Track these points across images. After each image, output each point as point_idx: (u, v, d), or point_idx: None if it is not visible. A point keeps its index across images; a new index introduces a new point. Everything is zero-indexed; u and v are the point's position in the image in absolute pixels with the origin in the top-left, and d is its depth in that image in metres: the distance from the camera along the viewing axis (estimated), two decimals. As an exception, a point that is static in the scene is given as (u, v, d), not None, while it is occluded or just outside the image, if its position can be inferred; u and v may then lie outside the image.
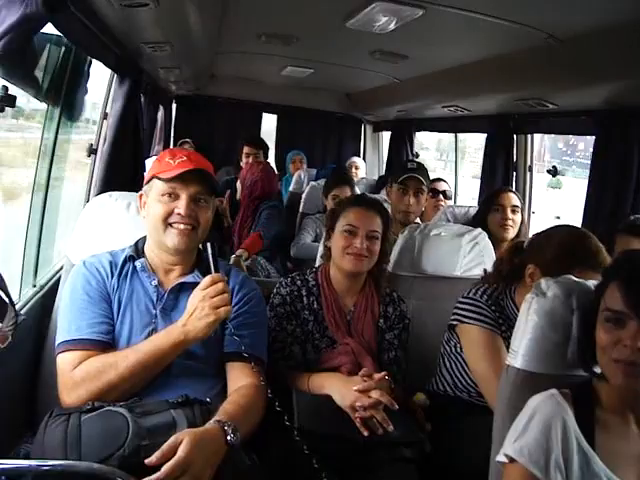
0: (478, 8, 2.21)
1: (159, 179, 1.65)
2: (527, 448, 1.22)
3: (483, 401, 1.90)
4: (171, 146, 5.72)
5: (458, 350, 2.00)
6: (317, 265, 2.24)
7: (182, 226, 1.63)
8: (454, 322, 1.98)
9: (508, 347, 1.48)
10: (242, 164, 4.41)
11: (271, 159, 6.23)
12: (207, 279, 1.55)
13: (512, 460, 1.23)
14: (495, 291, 1.96)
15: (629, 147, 2.65)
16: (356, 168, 5.54)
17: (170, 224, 1.63)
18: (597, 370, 1.28)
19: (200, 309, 1.51)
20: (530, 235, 2.34)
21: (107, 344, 1.58)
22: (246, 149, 4.51)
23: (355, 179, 4.95)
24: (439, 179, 3.84)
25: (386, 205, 2.97)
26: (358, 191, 3.75)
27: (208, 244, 1.60)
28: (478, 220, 2.94)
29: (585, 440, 1.20)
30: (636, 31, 1.99)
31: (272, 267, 3.30)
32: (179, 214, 1.62)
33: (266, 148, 4.63)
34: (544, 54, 2.47)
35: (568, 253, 1.75)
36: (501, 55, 2.74)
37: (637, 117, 2.64)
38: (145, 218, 1.71)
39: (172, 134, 6.02)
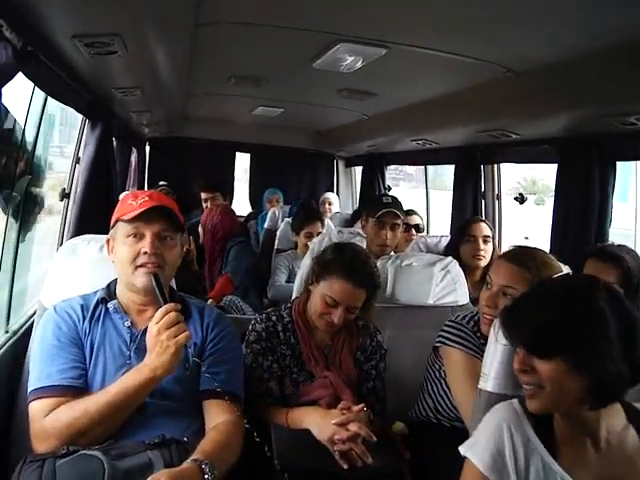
0: (438, 46, 2.30)
1: (123, 221, 1.65)
2: (478, 448, 1.26)
3: (464, 426, 1.91)
4: (145, 188, 5.73)
5: (442, 374, 2.02)
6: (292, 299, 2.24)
7: (150, 266, 1.61)
8: (438, 344, 2.00)
9: None
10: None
11: (245, 197, 6.29)
12: (159, 312, 1.53)
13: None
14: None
15: (590, 173, 2.74)
16: (329, 204, 5.59)
17: (138, 266, 1.62)
18: None
19: (160, 344, 1.49)
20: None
21: (79, 389, 1.56)
22: (203, 195, 4.62)
23: (329, 214, 5.01)
24: (412, 212, 3.89)
25: (359, 238, 3.03)
26: (332, 225, 3.80)
27: (151, 276, 1.59)
28: (451, 250, 3.01)
29: (545, 452, 1.23)
30: (589, 64, 2.09)
31: (247, 305, 3.30)
32: (145, 253, 1.61)
33: (223, 188, 4.69)
34: (504, 87, 2.57)
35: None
36: (463, 89, 2.84)
37: (595, 144, 2.73)
38: (114, 262, 1.71)
39: (146, 176, 6.04)
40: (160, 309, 1.54)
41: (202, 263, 3.85)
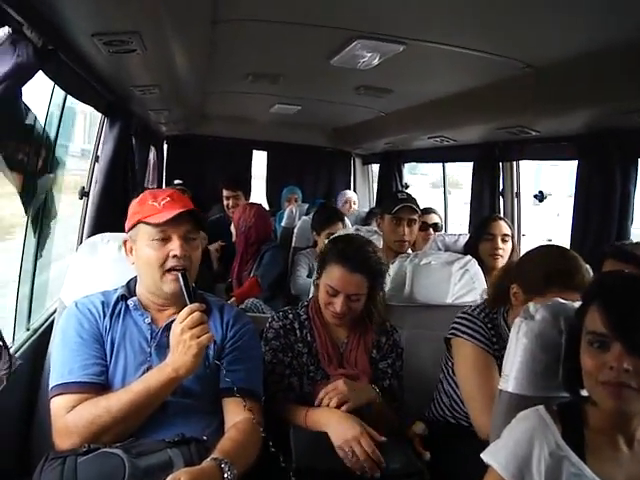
0: (455, 42, 2.28)
1: (147, 224, 1.62)
2: (502, 456, 1.24)
3: None
4: (164, 186, 5.76)
5: (454, 370, 2.01)
6: (309, 298, 2.24)
7: (178, 268, 1.60)
8: (449, 336, 1.99)
9: (500, 365, 1.49)
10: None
11: (262, 195, 6.28)
12: (184, 312, 1.53)
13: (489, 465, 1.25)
14: (492, 310, 1.99)
15: (611, 170, 2.70)
16: (353, 203, 5.52)
17: (166, 270, 1.61)
18: (584, 393, 1.28)
19: (182, 343, 1.49)
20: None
21: (100, 385, 1.57)
22: (225, 192, 4.50)
23: (350, 213, 5.00)
24: (430, 210, 3.85)
25: (376, 236, 3.01)
26: (349, 223, 3.79)
27: (179, 275, 1.59)
28: (469, 248, 2.99)
29: (575, 458, 1.21)
30: (609, 58, 2.06)
31: (268, 308, 3.29)
32: (175, 256, 1.60)
33: (246, 188, 4.60)
34: (523, 83, 2.54)
35: (545, 272, 1.78)
36: (482, 85, 2.82)
37: (616, 140, 2.69)
38: (135, 264, 1.69)
39: (164, 174, 6.07)
40: (185, 308, 1.54)
41: (227, 261, 3.84)
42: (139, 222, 1.65)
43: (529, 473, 1.20)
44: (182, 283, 1.59)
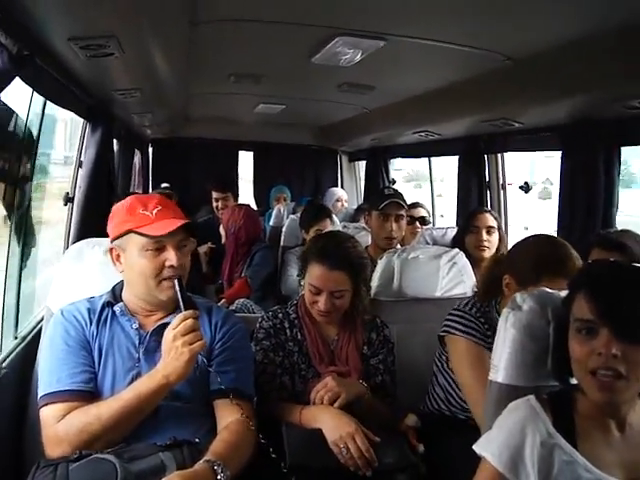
0: (435, 36, 2.29)
1: (141, 234, 1.59)
2: (495, 446, 1.23)
3: None
4: (150, 189, 5.73)
5: (450, 365, 2.01)
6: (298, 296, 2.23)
7: (174, 276, 1.59)
8: (442, 333, 1.99)
9: None
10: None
11: (250, 196, 6.26)
12: (177, 318, 1.52)
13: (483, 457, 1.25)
14: (483, 303, 1.99)
15: (594, 158, 2.72)
16: (345, 201, 5.52)
17: (163, 279, 1.60)
18: (573, 381, 1.28)
19: (175, 350, 1.49)
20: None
21: (89, 393, 1.56)
22: (214, 194, 4.50)
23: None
24: (417, 205, 3.86)
25: (364, 233, 3.01)
26: (337, 221, 3.79)
27: (175, 281, 1.58)
28: (456, 241, 3.01)
29: (567, 445, 1.21)
30: (588, 48, 2.08)
31: (259, 308, 3.27)
32: (171, 266, 1.59)
33: (234, 189, 4.61)
34: (504, 75, 2.55)
35: (537, 261, 1.79)
36: (463, 79, 2.83)
37: (599, 128, 2.71)
38: (124, 272, 1.67)
39: (150, 177, 6.04)
40: (179, 315, 1.53)
41: (217, 263, 3.83)
42: (130, 231, 1.62)
43: (522, 463, 1.20)
44: (178, 289, 1.58)
